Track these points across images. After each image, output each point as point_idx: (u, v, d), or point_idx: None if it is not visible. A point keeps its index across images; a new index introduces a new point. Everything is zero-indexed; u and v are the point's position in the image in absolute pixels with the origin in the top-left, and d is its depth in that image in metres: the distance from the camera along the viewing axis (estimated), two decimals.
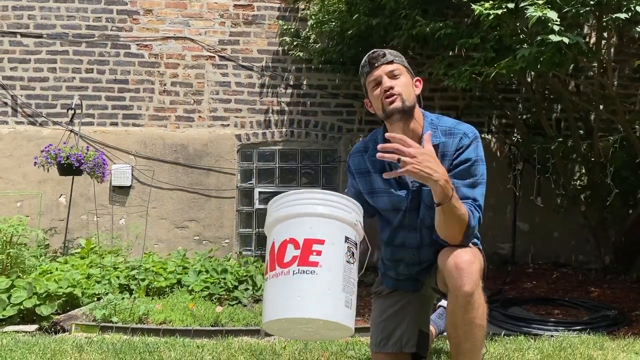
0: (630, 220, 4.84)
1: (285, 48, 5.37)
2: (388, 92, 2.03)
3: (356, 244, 1.85)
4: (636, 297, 4.27)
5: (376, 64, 2.06)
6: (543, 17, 2.99)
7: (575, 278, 4.99)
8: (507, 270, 4.97)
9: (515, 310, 3.85)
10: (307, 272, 1.73)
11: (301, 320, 1.75)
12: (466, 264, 1.87)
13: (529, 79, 4.91)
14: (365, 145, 2.24)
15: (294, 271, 1.74)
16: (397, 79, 2.05)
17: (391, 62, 2.07)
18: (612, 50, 5.37)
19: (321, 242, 1.76)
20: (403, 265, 2.21)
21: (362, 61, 2.12)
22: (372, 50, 2.11)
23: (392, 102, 2.03)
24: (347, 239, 1.80)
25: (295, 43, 5.28)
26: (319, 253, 1.75)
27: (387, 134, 1.90)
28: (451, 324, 1.96)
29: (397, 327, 2.23)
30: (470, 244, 1.99)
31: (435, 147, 2.02)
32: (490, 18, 3.24)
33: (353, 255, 1.81)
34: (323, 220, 1.81)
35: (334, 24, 4.77)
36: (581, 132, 5.10)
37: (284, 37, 5.30)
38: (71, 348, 2.79)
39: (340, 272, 1.76)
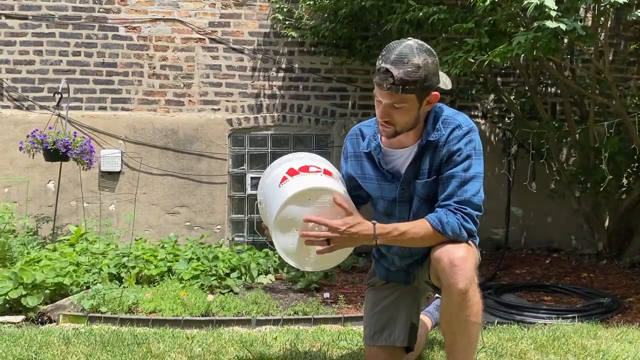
0: (624, 206, 4.82)
1: (277, 28, 5.26)
2: (382, 122, 1.96)
3: None
4: (629, 283, 4.26)
5: (383, 85, 1.87)
6: (540, 4, 2.92)
7: (569, 264, 4.99)
8: (500, 255, 4.95)
9: (509, 297, 3.83)
10: (333, 177, 2.08)
11: (323, 196, 1.95)
12: (460, 260, 1.83)
13: (523, 62, 4.84)
14: (362, 131, 2.19)
15: (320, 173, 2.05)
16: (397, 111, 1.91)
17: (396, 94, 1.86)
18: (609, 34, 5.31)
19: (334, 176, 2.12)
20: (397, 258, 2.18)
21: (380, 57, 1.90)
22: (385, 67, 1.85)
23: (383, 130, 1.98)
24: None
25: (287, 22, 5.18)
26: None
27: (305, 219, 1.94)
28: (446, 321, 1.93)
29: (390, 320, 2.20)
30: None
31: (436, 140, 1.97)
32: (485, 4, 3.17)
33: None
34: (334, 169, 2.17)
35: (327, 1, 4.69)
36: (576, 118, 5.06)
37: (276, 14, 5.18)
38: (57, 340, 2.74)
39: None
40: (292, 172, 2.04)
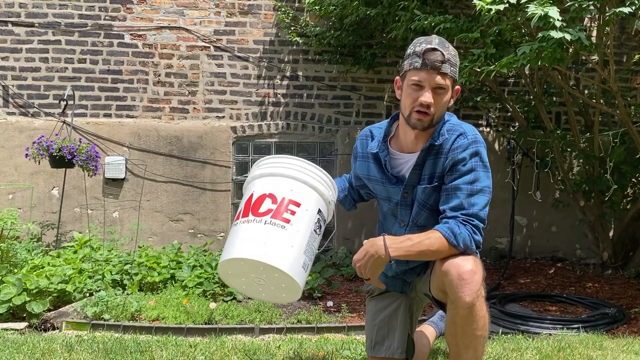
0: (629, 216, 4.79)
1: (282, 35, 5.27)
2: (423, 110, 1.91)
3: (325, 221, 2.00)
4: (635, 293, 4.23)
5: (429, 67, 1.88)
6: (544, 14, 2.92)
7: (573, 273, 4.96)
8: (504, 264, 4.93)
9: (513, 307, 3.81)
10: (278, 225, 1.86)
11: (258, 267, 1.83)
12: (469, 274, 1.81)
13: (527, 71, 4.84)
14: (372, 132, 2.20)
15: (265, 221, 1.86)
16: (439, 96, 1.91)
17: (444, 75, 1.90)
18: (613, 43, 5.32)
19: (297, 205, 1.90)
20: (395, 262, 2.15)
21: (416, 44, 1.92)
22: (432, 46, 1.89)
23: (419, 119, 1.93)
24: (319, 211, 1.96)
25: (292, 27, 5.20)
26: (292, 213, 1.89)
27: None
28: (451, 334, 1.91)
29: (389, 333, 2.20)
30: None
31: (439, 145, 1.96)
32: (491, 13, 3.17)
33: (320, 228, 1.96)
34: (305, 187, 1.95)
35: (333, 8, 4.70)
36: (581, 127, 5.04)
37: (281, 16, 5.17)
38: (61, 347, 2.73)
39: (306, 236, 1.89)
40: (246, 208, 1.91)
